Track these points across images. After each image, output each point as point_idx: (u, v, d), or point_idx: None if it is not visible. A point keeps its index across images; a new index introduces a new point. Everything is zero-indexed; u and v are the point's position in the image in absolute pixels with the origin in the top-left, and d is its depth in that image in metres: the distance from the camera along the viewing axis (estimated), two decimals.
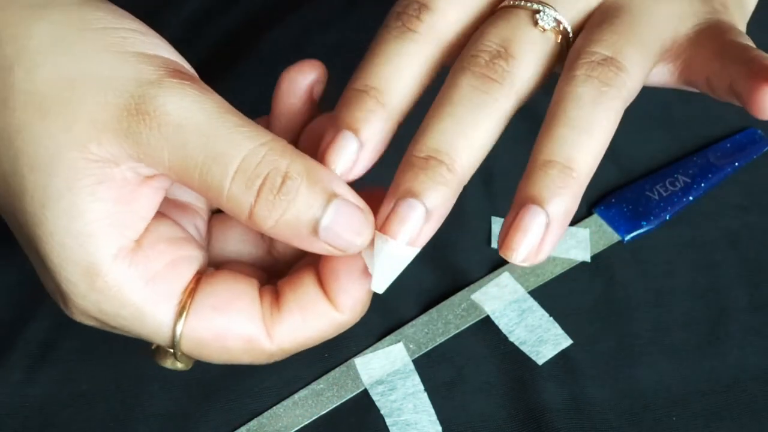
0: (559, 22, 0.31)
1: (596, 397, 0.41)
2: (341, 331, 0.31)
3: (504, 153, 0.49)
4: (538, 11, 0.31)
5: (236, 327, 0.30)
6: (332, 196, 0.28)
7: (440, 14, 0.32)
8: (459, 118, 0.30)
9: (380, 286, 0.30)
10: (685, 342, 0.42)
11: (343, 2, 0.54)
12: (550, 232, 0.29)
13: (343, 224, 0.28)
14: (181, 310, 0.29)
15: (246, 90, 0.46)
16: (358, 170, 0.30)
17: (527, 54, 0.31)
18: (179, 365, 0.32)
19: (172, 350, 0.30)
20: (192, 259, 0.31)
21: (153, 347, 0.32)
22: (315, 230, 0.28)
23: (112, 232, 0.28)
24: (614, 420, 0.40)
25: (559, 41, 0.32)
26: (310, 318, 0.31)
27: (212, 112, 0.28)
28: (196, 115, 0.28)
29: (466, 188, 0.47)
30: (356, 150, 0.30)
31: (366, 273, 0.30)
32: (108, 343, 0.42)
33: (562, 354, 0.42)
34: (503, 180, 0.47)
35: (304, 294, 0.31)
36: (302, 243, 0.29)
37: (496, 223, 0.46)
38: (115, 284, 0.29)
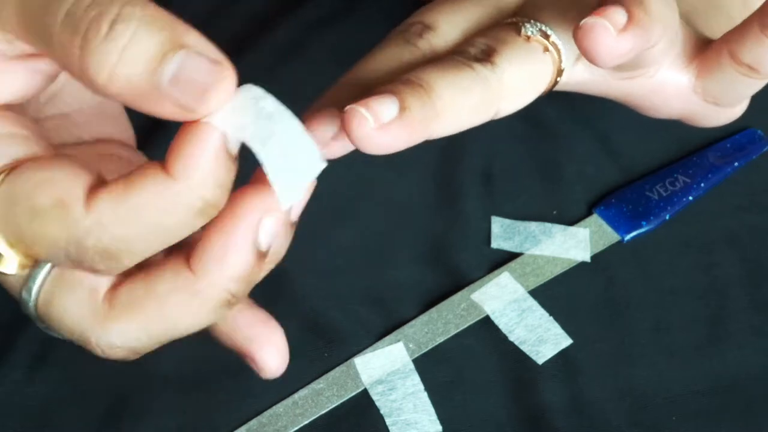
0: (546, 35, 0.32)
1: (596, 397, 0.41)
2: (183, 206, 0.25)
3: (504, 153, 0.49)
4: (524, 23, 0.32)
5: (51, 183, 0.25)
6: (178, 46, 0.23)
7: (441, 34, 0.33)
8: (448, 75, 0.30)
9: (285, 195, 0.24)
10: (685, 342, 0.42)
11: (343, 2, 0.54)
12: None
13: (191, 75, 0.24)
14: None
15: None
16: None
17: (512, 58, 0.31)
18: None
19: None
20: (29, 148, 0.27)
21: None
22: (157, 83, 0.23)
23: None
24: (614, 420, 0.40)
25: (547, 52, 0.32)
26: (134, 181, 0.25)
27: None
28: None
29: (466, 188, 0.47)
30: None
31: (210, 134, 0.25)
32: None
33: (562, 354, 0.42)
34: (503, 180, 0.47)
35: (135, 171, 0.25)
36: (148, 103, 0.24)
37: (496, 223, 0.46)
38: None
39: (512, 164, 0.48)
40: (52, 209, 0.25)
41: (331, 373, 0.41)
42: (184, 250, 0.27)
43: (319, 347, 0.42)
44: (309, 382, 0.41)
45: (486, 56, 0.31)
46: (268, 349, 0.32)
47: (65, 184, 0.25)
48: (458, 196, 0.47)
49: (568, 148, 0.49)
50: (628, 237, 0.45)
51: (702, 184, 0.47)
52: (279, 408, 0.40)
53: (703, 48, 0.36)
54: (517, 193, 0.47)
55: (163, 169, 0.25)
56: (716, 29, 0.37)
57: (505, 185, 0.47)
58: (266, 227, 0.26)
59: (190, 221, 0.25)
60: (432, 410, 0.40)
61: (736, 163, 0.48)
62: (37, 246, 0.25)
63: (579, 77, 0.35)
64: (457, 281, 0.44)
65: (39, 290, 0.27)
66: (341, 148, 0.30)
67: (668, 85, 0.36)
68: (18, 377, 0.41)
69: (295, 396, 0.41)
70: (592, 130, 0.49)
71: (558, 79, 0.34)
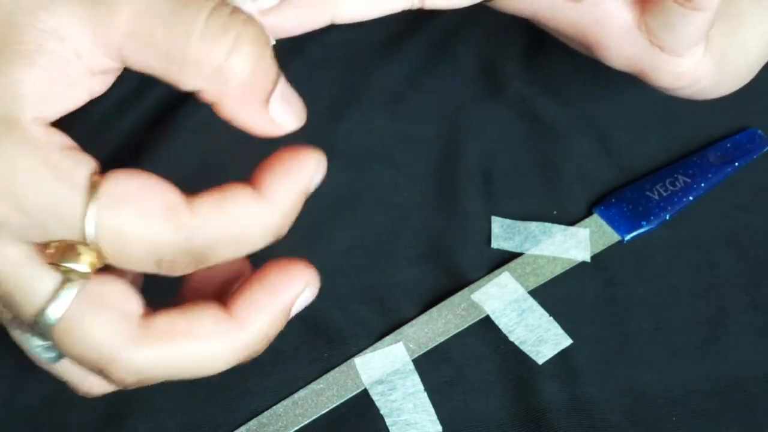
0: None
1: (596, 397, 0.41)
2: (264, 226, 0.28)
3: (504, 153, 0.49)
4: None
5: (156, 190, 0.27)
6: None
7: None
8: None
9: None
10: (685, 342, 0.42)
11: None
12: None
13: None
14: (96, 181, 0.26)
15: None
16: None
17: None
18: (82, 262, 0.27)
19: (83, 225, 0.26)
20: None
21: (52, 248, 0.27)
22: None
23: (35, 97, 0.27)
24: (614, 420, 0.40)
25: None
26: (229, 192, 0.27)
27: None
28: None
29: (466, 188, 0.47)
30: None
31: (306, 173, 0.28)
32: None
33: (562, 354, 0.42)
34: (503, 180, 0.47)
35: (226, 186, 0.28)
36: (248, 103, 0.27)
37: (496, 223, 0.46)
38: (33, 137, 0.26)
39: (512, 164, 0.48)
40: (164, 212, 0.26)
41: (331, 373, 0.41)
42: (209, 294, 0.30)
43: (319, 347, 0.42)
44: (309, 382, 0.41)
45: None
46: None
47: (169, 191, 0.27)
48: (458, 195, 0.47)
49: (568, 148, 0.49)
50: (628, 237, 0.45)
51: (702, 184, 0.47)
52: (279, 408, 0.40)
53: None
54: (517, 193, 0.47)
55: (254, 189, 0.28)
56: None
57: (505, 185, 0.47)
58: (304, 298, 0.30)
59: (264, 239, 0.28)
60: (432, 410, 0.40)
61: (736, 163, 0.48)
62: (134, 247, 0.26)
63: None
64: (457, 281, 0.44)
65: (65, 310, 0.27)
66: None
67: (613, 17, 0.36)
68: (19, 377, 0.41)
69: (295, 396, 0.41)
70: (592, 130, 0.49)
71: None
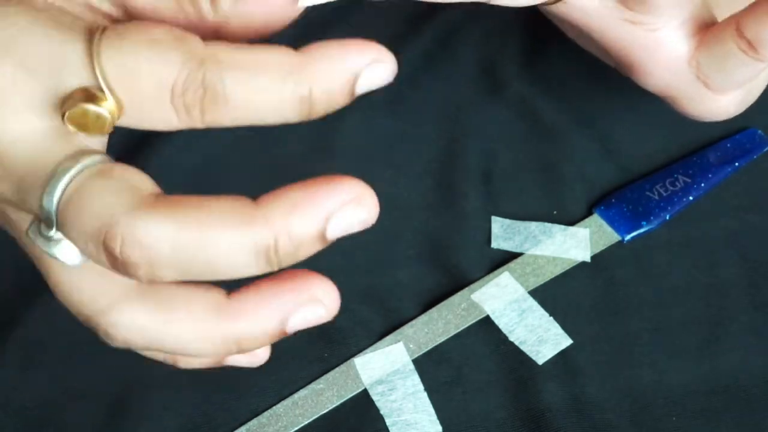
0: None
1: (596, 397, 0.41)
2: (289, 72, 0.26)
3: (504, 153, 0.49)
4: None
5: (163, 25, 0.26)
6: None
7: None
8: None
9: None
10: (685, 342, 0.42)
11: (343, 2, 0.54)
12: None
13: None
14: (101, 25, 0.26)
15: None
16: None
17: None
18: (103, 106, 0.25)
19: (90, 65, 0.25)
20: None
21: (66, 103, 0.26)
22: None
23: None
24: (614, 420, 0.40)
25: None
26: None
27: None
28: None
29: (466, 188, 0.47)
30: None
31: None
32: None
33: (562, 354, 0.42)
34: (503, 180, 0.47)
35: None
36: None
37: (496, 223, 0.46)
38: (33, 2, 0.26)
39: (512, 164, 0.48)
40: (172, 39, 0.25)
41: (331, 374, 0.41)
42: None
43: (318, 347, 0.42)
44: (309, 382, 0.41)
45: None
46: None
47: (177, 29, 0.26)
48: (458, 196, 0.47)
49: (568, 148, 0.49)
50: (628, 237, 0.45)
51: (702, 184, 0.47)
52: (279, 408, 0.40)
53: (711, 27, 0.36)
54: (517, 193, 0.47)
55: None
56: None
57: (505, 185, 0.47)
58: (348, 216, 0.28)
59: (283, 79, 0.27)
60: (432, 410, 0.40)
61: (736, 163, 0.48)
62: (145, 75, 0.25)
63: (586, 1, 0.35)
64: (457, 281, 0.44)
65: (74, 176, 0.25)
66: None
67: (666, 47, 0.36)
68: (17, 377, 0.41)
69: (295, 396, 0.41)
70: (592, 130, 0.49)
71: None
